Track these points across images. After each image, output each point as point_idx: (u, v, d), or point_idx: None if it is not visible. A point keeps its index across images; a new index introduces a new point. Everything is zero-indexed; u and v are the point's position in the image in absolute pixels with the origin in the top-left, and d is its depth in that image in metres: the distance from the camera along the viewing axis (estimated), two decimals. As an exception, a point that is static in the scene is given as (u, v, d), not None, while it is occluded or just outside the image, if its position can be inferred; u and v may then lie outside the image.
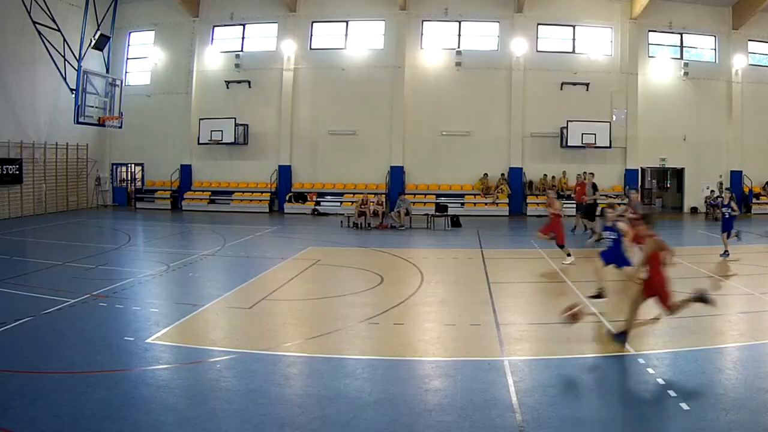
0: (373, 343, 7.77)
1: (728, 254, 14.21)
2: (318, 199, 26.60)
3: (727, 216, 14.89)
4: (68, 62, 22.02)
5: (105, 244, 16.75)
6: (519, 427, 5.18)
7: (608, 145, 25.83)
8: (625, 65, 26.40)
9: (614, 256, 9.70)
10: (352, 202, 24.06)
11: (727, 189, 16.76)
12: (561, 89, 26.55)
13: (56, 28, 21.31)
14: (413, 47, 26.91)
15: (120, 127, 24.75)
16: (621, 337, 7.35)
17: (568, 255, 13.34)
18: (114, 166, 29.58)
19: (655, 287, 7.27)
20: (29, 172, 23.58)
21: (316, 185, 27.32)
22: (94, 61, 23.58)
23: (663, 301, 7.26)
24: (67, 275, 11.70)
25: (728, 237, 14.63)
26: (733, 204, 15.04)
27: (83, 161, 26.98)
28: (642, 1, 25.36)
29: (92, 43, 22.61)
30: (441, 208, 22.02)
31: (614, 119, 26.28)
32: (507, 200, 26.03)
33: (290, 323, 8.87)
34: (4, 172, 22.36)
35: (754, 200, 26.22)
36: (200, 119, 27.23)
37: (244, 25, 27.95)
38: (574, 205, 20.36)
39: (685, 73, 26.43)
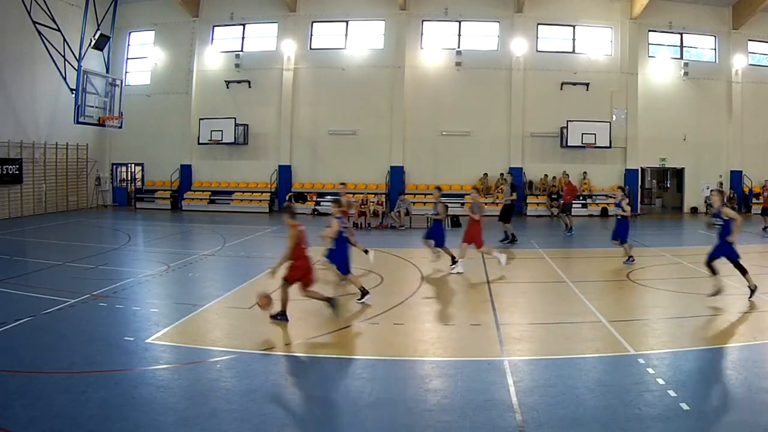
0: (373, 343, 7.77)
1: (633, 260, 13.25)
2: (318, 199, 26.59)
3: (619, 217, 13.56)
4: (68, 62, 22.04)
5: (105, 244, 16.74)
6: (519, 427, 5.18)
7: (608, 145, 25.85)
8: (625, 65, 26.41)
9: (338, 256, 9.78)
10: (353, 202, 24.04)
11: (620, 187, 14.56)
12: (561, 89, 26.56)
13: (56, 28, 21.33)
14: (413, 47, 26.92)
15: (120, 127, 24.78)
16: (280, 317, 8.41)
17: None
18: (114, 166, 29.58)
19: (297, 272, 8.33)
20: (29, 172, 23.58)
21: (316, 185, 27.32)
22: (94, 61, 23.61)
23: (303, 285, 8.39)
24: (67, 275, 11.70)
25: (622, 244, 13.42)
26: (623, 204, 13.63)
27: (83, 161, 26.98)
28: (642, 1, 25.37)
29: (92, 43, 22.65)
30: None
31: (614, 119, 26.29)
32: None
33: (290, 323, 8.86)
34: (4, 172, 22.36)
35: (754, 200, 26.21)
36: (200, 119, 27.24)
37: (244, 25, 27.96)
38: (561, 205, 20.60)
39: (685, 73, 26.45)
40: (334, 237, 9.58)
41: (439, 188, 14.32)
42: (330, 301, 8.50)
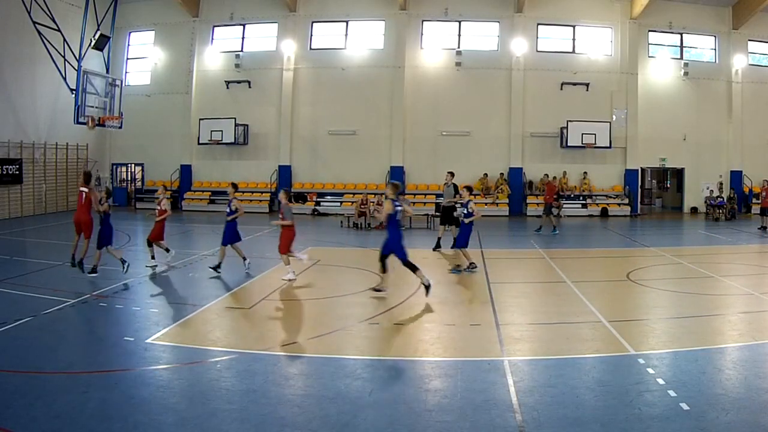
0: (373, 343, 7.77)
1: (474, 267, 12.26)
2: (318, 199, 26.60)
3: (463, 220, 12.13)
4: (68, 62, 22.02)
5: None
6: (519, 427, 5.18)
7: (608, 145, 25.86)
8: (625, 65, 26.41)
9: None
10: (352, 202, 24.07)
11: (466, 187, 13.20)
12: (561, 89, 26.56)
13: (56, 28, 21.32)
14: (413, 47, 26.92)
15: (120, 127, 24.74)
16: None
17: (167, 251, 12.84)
18: (114, 166, 29.60)
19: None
20: (29, 172, 23.58)
21: (316, 185, 27.32)
22: (94, 61, 23.59)
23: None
24: (67, 275, 11.69)
25: (454, 246, 12.13)
26: (471, 205, 12.42)
27: (83, 161, 26.97)
28: (642, 1, 25.38)
29: (92, 43, 22.61)
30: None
31: (614, 119, 26.31)
32: (507, 200, 26.05)
33: (290, 323, 8.87)
34: (4, 172, 22.36)
35: (754, 200, 26.22)
36: (200, 119, 27.26)
37: (244, 25, 27.98)
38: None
39: (685, 73, 26.46)
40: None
41: (235, 185, 13.38)
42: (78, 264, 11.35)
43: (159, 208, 12.93)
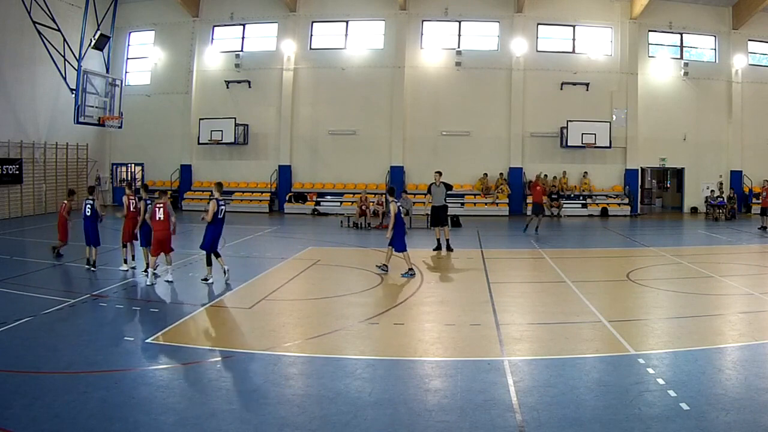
0: (373, 343, 7.77)
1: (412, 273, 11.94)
2: (318, 199, 26.60)
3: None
4: (68, 62, 22.03)
5: (105, 244, 16.67)
6: (519, 427, 5.19)
7: (608, 145, 25.85)
8: (625, 65, 26.40)
9: None
10: (352, 202, 24.07)
11: (389, 189, 13.24)
12: (561, 89, 26.54)
13: (56, 28, 21.33)
14: (413, 47, 26.91)
15: (120, 127, 24.75)
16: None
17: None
18: (114, 166, 29.59)
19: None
20: (29, 172, 23.57)
21: (316, 185, 27.32)
22: (94, 61, 23.59)
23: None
24: (67, 275, 11.70)
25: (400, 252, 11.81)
26: (392, 207, 12.30)
27: (83, 161, 26.97)
28: (642, 1, 25.37)
29: (92, 43, 22.63)
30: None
31: (614, 119, 26.29)
32: (507, 200, 26.05)
33: (290, 323, 8.86)
34: (4, 172, 22.35)
35: (754, 200, 26.21)
36: (200, 119, 27.25)
37: (244, 25, 27.97)
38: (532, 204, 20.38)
39: (685, 73, 26.44)
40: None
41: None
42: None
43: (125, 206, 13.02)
